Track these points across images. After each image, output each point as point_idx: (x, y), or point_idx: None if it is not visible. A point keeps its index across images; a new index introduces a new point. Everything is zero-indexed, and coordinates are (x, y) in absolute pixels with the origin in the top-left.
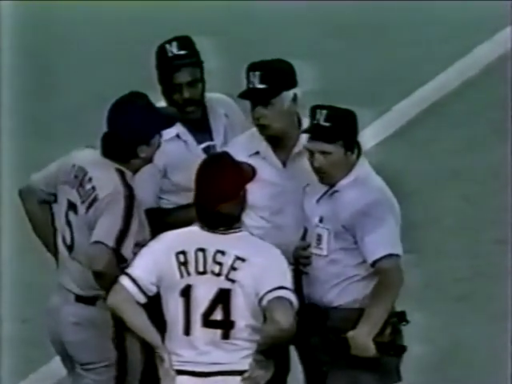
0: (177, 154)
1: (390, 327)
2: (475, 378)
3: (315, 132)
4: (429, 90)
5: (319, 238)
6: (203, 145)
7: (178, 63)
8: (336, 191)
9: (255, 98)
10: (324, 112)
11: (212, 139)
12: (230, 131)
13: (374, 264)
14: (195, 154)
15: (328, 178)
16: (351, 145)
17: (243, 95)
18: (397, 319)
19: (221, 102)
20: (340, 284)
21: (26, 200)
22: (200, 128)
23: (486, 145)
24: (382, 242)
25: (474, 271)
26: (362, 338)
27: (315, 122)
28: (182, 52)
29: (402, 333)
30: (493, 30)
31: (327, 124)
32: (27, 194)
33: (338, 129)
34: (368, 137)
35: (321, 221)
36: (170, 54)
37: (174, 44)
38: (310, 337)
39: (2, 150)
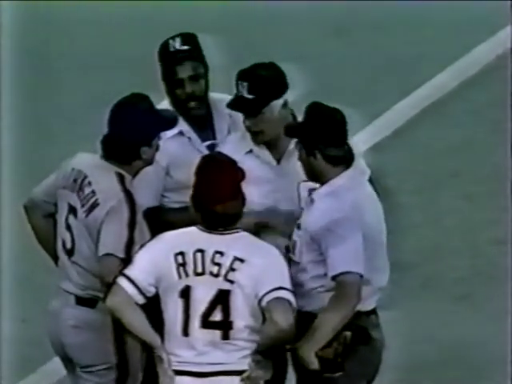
0: (180, 151)
1: (337, 343)
2: (475, 377)
3: (290, 128)
4: (428, 89)
5: (294, 244)
6: (207, 143)
7: (180, 57)
8: (312, 200)
9: (244, 109)
10: (305, 110)
11: (215, 138)
12: (233, 131)
13: (333, 279)
14: (199, 150)
15: (306, 176)
16: (311, 150)
17: (232, 106)
18: (350, 334)
19: (225, 101)
20: (310, 292)
21: (30, 215)
22: (203, 126)
23: (486, 145)
24: (343, 258)
25: (473, 271)
26: (304, 351)
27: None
28: (185, 47)
29: (366, 349)
30: (492, 30)
31: (302, 121)
32: (31, 208)
33: (301, 129)
34: (368, 136)
35: (298, 227)
36: (171, 49)
37: (178, 39)
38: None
39: (2, 149)
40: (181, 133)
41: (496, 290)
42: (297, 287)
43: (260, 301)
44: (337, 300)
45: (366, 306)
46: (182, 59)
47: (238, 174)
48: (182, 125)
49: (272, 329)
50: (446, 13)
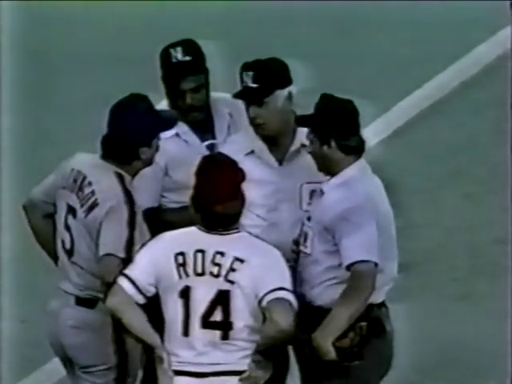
0: (177, 151)
1: (354, 333)
2: (475, 377)
3: (301, 119)
4: (429, 89)
5: (306, 236)
6: (206, 143)
7: (182, 70)
8: (323, 191)
9: (249, 98)
10: (317, 101)
11: (214, 137)
12: (233, 130)
13: (348, 268)
14: (197, 151)
15: (318, 168)
16: (325, 138)
17: (237, 95)
18: (366, 325)
19: (226, 101)
20: (321, 284)
21: (30, 215)
22: (203, 126)
23: (486, 145)
24: (358, 247)
25: (473, 271)
26: (320, 340)
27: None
28: (187, 58)
29: (382, 340)
30: (492, 30)
31: (313, 112)
32: (31, 208)
33: (314, 119)
34: (368, 136)
35: (309, 219)
36: (174, 60)
37: (179, 49)
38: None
39: (2, 149)
40: (177, 134)
41: (496, 290)
42: (308, 279)
43: (260, 301)
44: (352, 289)
45: (376, 297)
46: (184, 73)
47: (238, 174)
48: (181, 126)
49: (272, 329)
50: (446, 13)
